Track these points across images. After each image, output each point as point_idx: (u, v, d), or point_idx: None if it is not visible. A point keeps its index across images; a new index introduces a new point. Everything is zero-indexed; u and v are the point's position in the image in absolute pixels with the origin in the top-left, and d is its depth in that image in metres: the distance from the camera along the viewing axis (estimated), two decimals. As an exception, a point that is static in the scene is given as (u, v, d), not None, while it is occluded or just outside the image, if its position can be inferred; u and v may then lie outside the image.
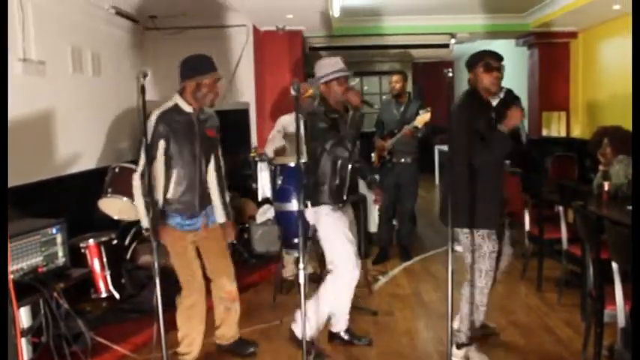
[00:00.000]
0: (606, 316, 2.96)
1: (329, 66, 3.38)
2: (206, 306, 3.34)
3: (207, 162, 3.32)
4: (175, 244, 3.18)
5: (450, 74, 2.72)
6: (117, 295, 4.04)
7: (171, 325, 3.17)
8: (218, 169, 3.40)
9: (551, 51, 7.19)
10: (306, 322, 3.11)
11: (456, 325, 3.31)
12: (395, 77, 5.51)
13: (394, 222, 5.80)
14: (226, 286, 3.42)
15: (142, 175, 3.01)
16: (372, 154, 5.64)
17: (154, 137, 3.03)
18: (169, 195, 3.16)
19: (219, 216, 3.41)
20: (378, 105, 5.78)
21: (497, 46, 8.70)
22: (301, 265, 2.69)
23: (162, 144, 3.07)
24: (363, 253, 4.74)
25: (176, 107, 3.14)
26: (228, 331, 3.50)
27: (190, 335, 3.27)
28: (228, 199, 3.45)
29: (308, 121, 3.40)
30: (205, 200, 3.33)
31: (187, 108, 3.17)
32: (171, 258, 3.21)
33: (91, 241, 4.00)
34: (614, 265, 2.79)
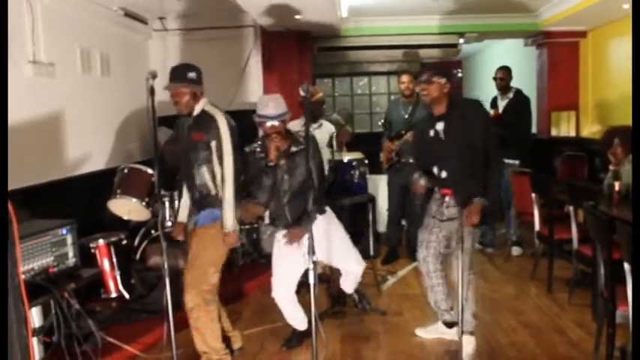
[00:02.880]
0: (618, 317, 2.94)
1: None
2: None
3: None
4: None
5: (460, 74, 2.72)
6: (127, 295, 4.06)
7: (180, 325, 3.18)
8: None
9: (561, 50, 7.14)
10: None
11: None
12: (404, 77, 5.41)
13: (403, 222, 5.79)
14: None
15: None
16: (381, 155, 5.62)
17: (234, 139, 3.25)
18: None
19: None
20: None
21: (506, 45, 8.71)
22: (311, 266, 2.69)
23: None
24: (372, 253, 4.76)
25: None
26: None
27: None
28: None
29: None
30: None
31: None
32: (218, 252, 3.24)
33: (101, 242, 4.01)
34: (626, 266, 2.76)
